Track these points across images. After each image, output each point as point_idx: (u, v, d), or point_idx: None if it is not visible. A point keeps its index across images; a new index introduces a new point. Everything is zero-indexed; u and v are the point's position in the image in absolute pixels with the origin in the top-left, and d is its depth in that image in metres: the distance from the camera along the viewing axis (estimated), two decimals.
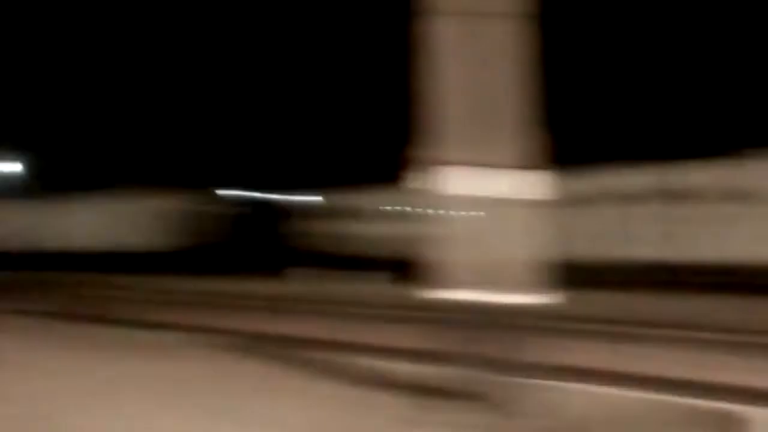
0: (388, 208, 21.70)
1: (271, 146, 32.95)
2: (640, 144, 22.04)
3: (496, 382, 4.23)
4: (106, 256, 25.26)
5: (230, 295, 15.40)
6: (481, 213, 4.31)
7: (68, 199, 27.74)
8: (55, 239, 27.03)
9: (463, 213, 4.34)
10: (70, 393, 5.32)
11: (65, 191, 28.42)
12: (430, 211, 4.47)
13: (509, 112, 4.39)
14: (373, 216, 22.21)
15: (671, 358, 6.71)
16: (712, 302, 12.50)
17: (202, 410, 4.70)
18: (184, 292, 16.58)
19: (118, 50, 34.82)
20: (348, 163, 28.92)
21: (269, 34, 33.76)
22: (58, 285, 19.15)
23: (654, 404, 4.49)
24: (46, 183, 31.51)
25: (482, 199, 4.30)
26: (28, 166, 33.47)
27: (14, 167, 33.26)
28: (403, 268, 15.24)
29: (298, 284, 18.71)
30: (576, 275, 10.50)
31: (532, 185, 4.34)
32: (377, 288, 16.62)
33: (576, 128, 21.84)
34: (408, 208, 19.75)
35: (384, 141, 25.91)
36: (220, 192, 28.06)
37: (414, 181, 4.70)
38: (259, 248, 25.35)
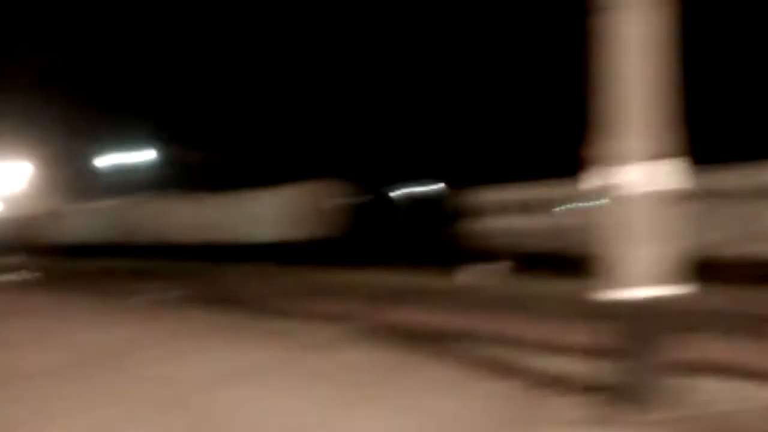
0: (558, 202, 21.34)
1: (440, 140, 33.18)
2: None
3: (660, 379, 4.24)
4: (262, 247, 26.22)
5: (388, 287, 15.41)
6: (646, 207, 4.30)
7: (227, 193, 29.15)
8: (215, 232, 28.48)
9: (630, 207, 4.32)
10: (230, 378, 5.44)
11: (227, 185, 30.00)
12: (600, 205, 4.44)
13: (667, 104, 4.42)
14: (542, 210, 21.87)
15: None
16: None
17: (355, 399, 4.70)
18: (340, 283, 16.91)
19: (285, 50, 36.42)
20: (516, 156, 28.66)
21: (444, 30, 33.84)
22: (216, 275, 20.10)
23: None
24: (210, 177, 33.59)
25: (646, 193, 4.29)
26: (195, 160, 35.87)
27: (181, 159, 35.78)
28: (571, 263, 14.69)
29: (464, 278, 18.48)
30: (712, 270, 10.86)
31: (678, 178, 4.36)
32: (545, 283, 16.22)
33: (711, 123, 20.76)
34: (578, 203, 19.75)
35: (557, 134, 25.55)
36: (385, 186, 28.42)
37: (586, 174, 4.66)
38: (422, 241, 25.39)
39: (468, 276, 18.80)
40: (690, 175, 4.48)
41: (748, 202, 16.61)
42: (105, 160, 42.33)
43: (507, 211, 23.01)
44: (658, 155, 4.34)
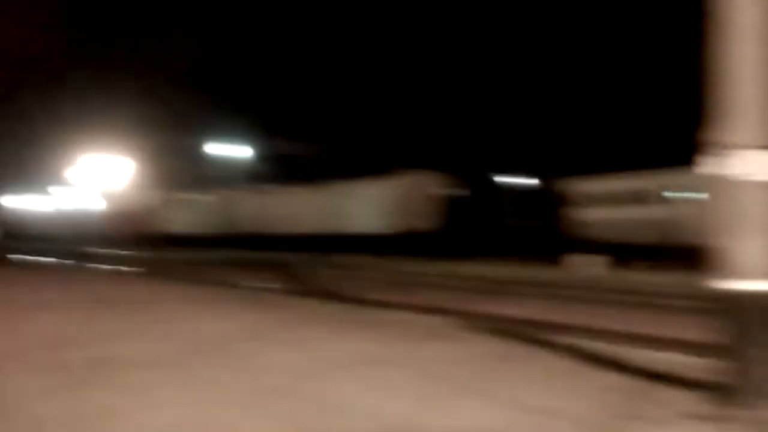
0: (670, 192, 20.57)
1: (540, 130, 32.66)
2: None
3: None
4: (360, 238, 26.38)
5: (487, 279, 15.18)
6: (759, 197, 4.16)
7: (326, 185, 29.54)
8: (314, 223, 28.92)
9: (742, 197, 4.17)
10: (331, 368, 5.38)
11: (326, 178, 30.42)
12: (711, 195, 4.30)
13: None
14: (649, 200, 21.12)
15: None
16: None
17: (457, 392, 4.61)
18: (437, 275, 16.83)
19: (383, 42, 36.70)
20: (620, 145, 27.77)
21: (549, 17, 33.24)
22: (314, 266, 20.38)
23: None
24: (309, 169, 34.26)
25: (760, 183, 4.15)
26: (295, 152, 36.68)
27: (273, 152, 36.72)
28: (678, 254, 13.98)
29: (566, 269, 18.02)
30: None
31: None
32: (651, 274, 15.55)
33: None
34: (692, 193, 19.24)
35: (666, 123, 24.63)
36: (483, 177, 28.06)
37: (702, 164, 4.48)
38: (521, 233, 24.94)
39: (570, 267, 18.21)
40: None
41: None
42: (207, 153, 43.81)
43: (611, 201, 22.25)
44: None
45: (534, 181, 28.66)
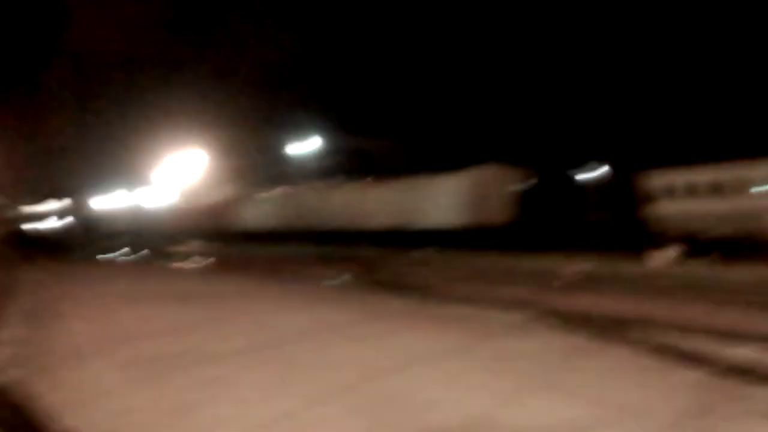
0: (754, 184, 19.66)
1: (616, 122, 31.78)
2: None
3: None
4: (432, 233, 26.31)
5: (562, 273, 14.82)
6: None
7: (398, 180, 29.59)
8: (386, 218, 29.04)
9: None
10: (409, 361, 5.36)
11: (399, 172, 30.48)
12: None
13: None
14: (733, 192, 20.22)
15: None
16: None
17: (535, 386, 4.54)
18: (511, 268, 16.64)
19: (455, 37, 36.55)
20: (699, 136, 26.73)
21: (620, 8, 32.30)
22: (386, 260, 20.46)
23: None
24: (382, 164, 34.43)
25: None
26: (368, 148, 36.93)
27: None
28: (762, 248, 13.26)
29: (653, 263, 17.43)
30: None
31: None
32: (732, 268, 14.87)
33: None
34: None
35: (754, 113, 23.55)
36: (556, 170, 27.50)
37: None
38: (596, 226, 24.29)
39: (650, 261, 17.55)
40: None
41: None
42: (284, 150, 44.55)
43: (691, 193, 21.35)
44: None
45: (613, 174, 27.80)
